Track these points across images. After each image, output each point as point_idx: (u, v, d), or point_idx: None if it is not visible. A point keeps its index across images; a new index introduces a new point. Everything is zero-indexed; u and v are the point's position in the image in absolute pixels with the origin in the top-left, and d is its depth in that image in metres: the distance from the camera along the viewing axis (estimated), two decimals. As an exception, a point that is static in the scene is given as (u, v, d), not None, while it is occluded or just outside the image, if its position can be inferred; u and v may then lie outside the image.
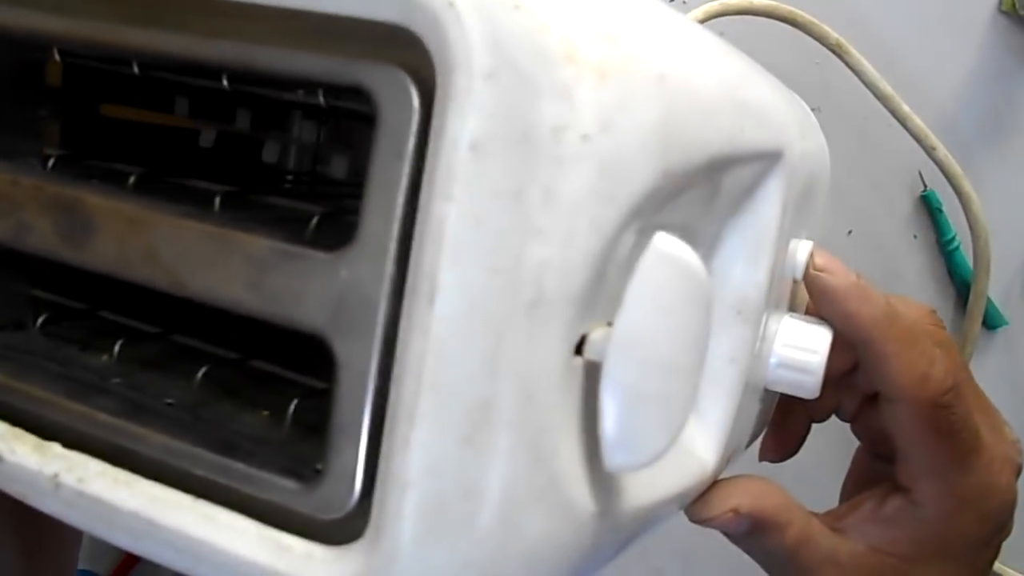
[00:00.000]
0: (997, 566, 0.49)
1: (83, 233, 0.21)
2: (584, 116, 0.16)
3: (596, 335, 0.17)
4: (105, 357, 0.25)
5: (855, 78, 0.45)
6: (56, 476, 0.20)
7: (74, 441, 0.21)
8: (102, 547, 0.53)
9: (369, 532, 0.17)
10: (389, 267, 0.16)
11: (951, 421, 0.27)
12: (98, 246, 0.21)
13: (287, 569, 0.18)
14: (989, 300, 0.47)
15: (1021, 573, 0.48)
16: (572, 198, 0.16)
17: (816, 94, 0.46)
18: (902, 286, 0.48)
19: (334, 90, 0.20)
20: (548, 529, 0.17)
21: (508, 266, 0.16)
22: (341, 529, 0.18)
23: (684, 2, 0.45)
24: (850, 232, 0.47)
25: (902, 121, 0.44)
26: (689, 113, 0.19)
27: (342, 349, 0.17)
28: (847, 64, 0.44)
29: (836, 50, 0.44)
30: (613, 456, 0.17)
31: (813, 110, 0.47)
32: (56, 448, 0.21)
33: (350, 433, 0.17)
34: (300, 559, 0.18)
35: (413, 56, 0.16)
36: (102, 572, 0.52)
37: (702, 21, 0.42)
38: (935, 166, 0.45)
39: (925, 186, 0.47)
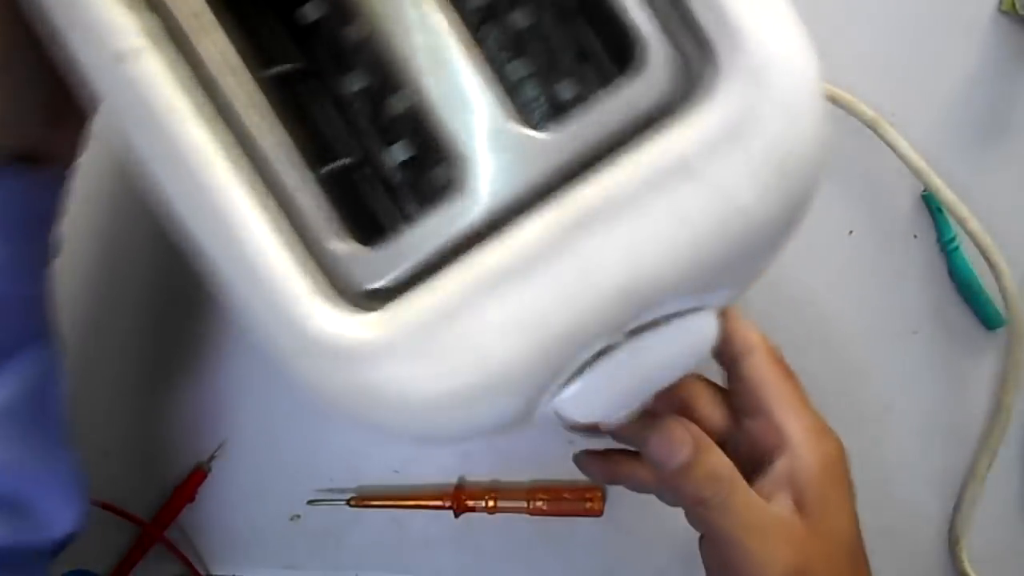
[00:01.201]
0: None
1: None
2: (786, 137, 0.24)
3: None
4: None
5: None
6: (138, 52, 0.23)
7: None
8: (102, 547, 0.52)
9: (384, 314, 0.23)
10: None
11: (787, 366, 0.36)
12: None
13: (286, 289, 0.23)
14: (989, 300, 0.47)
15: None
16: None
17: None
18: (903, 286, 0.49)
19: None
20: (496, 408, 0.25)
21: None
22: (365, 299, 0.24)
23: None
24: (851, 232, 0.48)
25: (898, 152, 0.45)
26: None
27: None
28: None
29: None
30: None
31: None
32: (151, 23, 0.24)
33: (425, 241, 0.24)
34: (303, 292, 0.23)
35: (695, 45, 0.23)
36: (101, 572, 0.52)
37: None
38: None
39: (926, 186, 0.47)
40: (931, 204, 0.47)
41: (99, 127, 0.50)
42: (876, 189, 0.48)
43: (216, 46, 0.23)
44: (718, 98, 0.22)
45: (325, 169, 0.25)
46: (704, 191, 0.22)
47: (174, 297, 0.51)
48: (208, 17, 0.23)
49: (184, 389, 0.51)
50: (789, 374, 0.36)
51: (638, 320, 0.24)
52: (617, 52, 0.26)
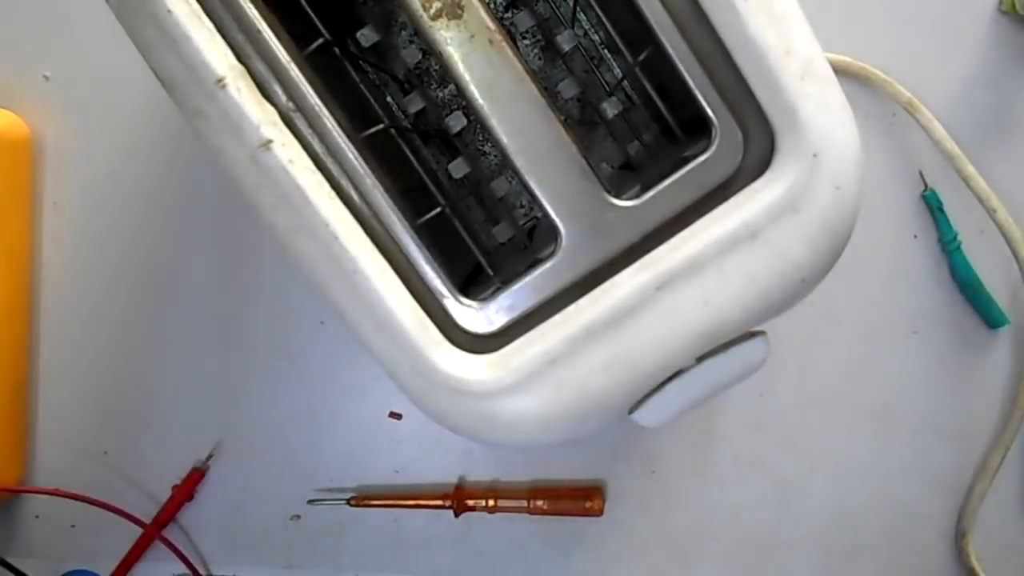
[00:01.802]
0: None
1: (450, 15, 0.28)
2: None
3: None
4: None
5: (856, 79, 0.46)
6: (268, 143, 0.26)
7: (296, 129, 0.27)
8: (102, 547, 0.52)
9: (498, 357, 0.28)
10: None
11: None
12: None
13: (419, 341, 0.28)
14: (992, 299, 0.47)
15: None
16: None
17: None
18: (903, 286, 0.49)
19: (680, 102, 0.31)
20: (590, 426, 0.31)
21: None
22: (474, 342, 0.29)
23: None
24: (851, 231, 0.48)
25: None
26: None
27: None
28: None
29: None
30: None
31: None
32: (276, 116, 0.27)
33: (527, 296, 0.29)
34: (432, 342, 0.28)
35: (759, 133, 0.28)
36: (102, 571, 0.51)
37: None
38: (937, 168, 0.46)
39: (926, 186, 0.47)
40: (931, 204, 0.48)
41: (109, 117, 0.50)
42: (876, 189, 0.48)
43: (328, 124, 0.28)
44: (779, 172, 0.27)
45: (422, 220, 0.30)
46: (767, 253, 0.27)
47: (175, 298, 0.51)
48: (315, 101, 0.28)
49: (184, 389, 0.51)
50: None
51: (707, 349, 0.30)
52: (687, 122, 0.32)
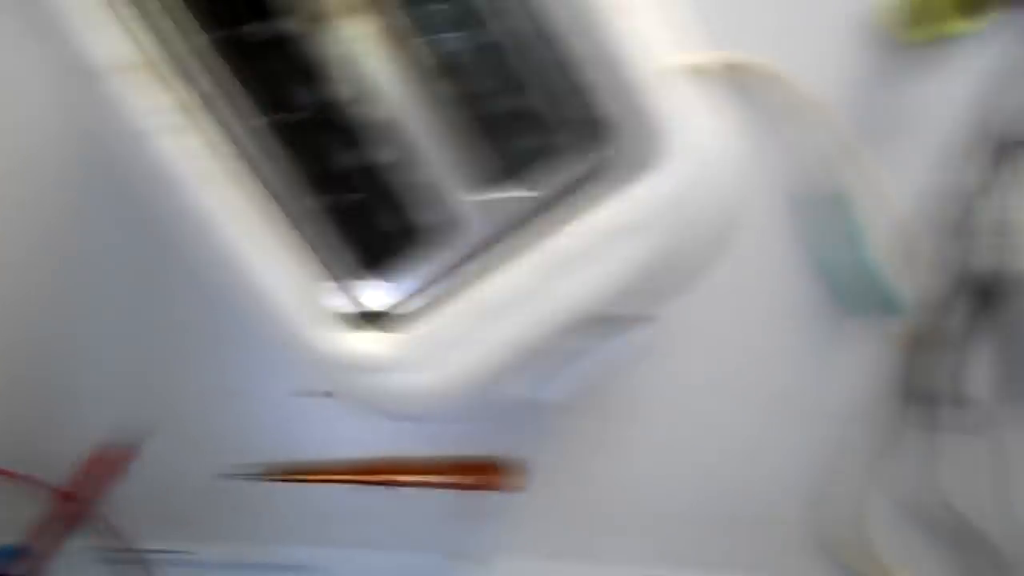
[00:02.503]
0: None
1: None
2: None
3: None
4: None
5: (755, 78, 0.48)
6: (167, 129, 0.27)
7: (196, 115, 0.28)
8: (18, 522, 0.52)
9: (397, 336, 0.30)
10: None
11: None
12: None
13: (315, 320, 0.29)
14: (884, 290, 0.50)
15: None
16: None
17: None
18: (800, 278, 0.51)
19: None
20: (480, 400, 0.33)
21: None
22: (370, 321, 0.31)
23: None
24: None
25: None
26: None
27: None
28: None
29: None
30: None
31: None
32: (176, 102, 0.28)
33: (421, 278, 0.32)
34: (328, 320, 0.29)
35: (633, 134, 0.30)
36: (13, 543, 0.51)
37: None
38: (832, 166, 0.48)
39: (822, 183, 0.50)
40: (826, 200, 0.50)
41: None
42: (773, 187, 0.51)
43: (229, 111, 0.29)
44: (663, 169, 0.29)
45: (322, 205, 0.31)
46: (650, 242, 0.29)
47: (100, 277, 0.51)
48: (216, 89, 0.29)
49: (110, 366, 0.52)
50: None
51: (592, 329, 0.31)
52: (583, 124, 0.33)
